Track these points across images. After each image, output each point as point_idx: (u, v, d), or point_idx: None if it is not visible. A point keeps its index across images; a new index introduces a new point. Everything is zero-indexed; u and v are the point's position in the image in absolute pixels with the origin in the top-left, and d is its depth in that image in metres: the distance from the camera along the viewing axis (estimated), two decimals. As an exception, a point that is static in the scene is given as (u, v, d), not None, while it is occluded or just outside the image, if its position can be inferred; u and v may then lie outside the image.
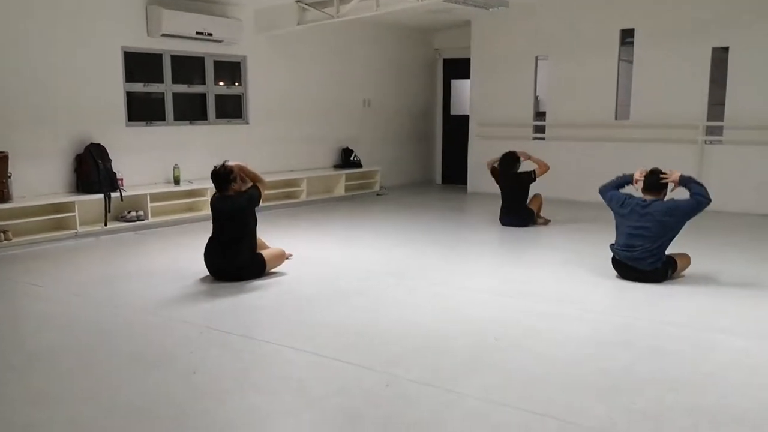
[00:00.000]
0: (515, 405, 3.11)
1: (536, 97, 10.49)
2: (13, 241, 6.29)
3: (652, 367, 3.58)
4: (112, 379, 3.46)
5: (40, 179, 6.79)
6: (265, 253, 5.43)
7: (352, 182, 10.20)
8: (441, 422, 2.96)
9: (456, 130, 11.76)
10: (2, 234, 6.22)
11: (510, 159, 7.57)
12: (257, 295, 4.99)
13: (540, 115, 10.65)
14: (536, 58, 10.29)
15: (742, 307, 4.62)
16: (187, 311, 4.57)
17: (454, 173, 11.87)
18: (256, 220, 5.43)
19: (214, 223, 5.37)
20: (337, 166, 10.28)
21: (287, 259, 5.73)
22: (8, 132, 6.52)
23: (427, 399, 3.20)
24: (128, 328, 4.26)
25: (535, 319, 4.38)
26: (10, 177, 6.28)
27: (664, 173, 5.28)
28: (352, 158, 10.39)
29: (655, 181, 5.25)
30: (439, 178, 12.28)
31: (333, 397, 3.21)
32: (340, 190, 9.94)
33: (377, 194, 10.45)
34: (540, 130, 10.40)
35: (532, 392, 3.26)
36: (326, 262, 6.01)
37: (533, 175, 7.45)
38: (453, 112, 12.12)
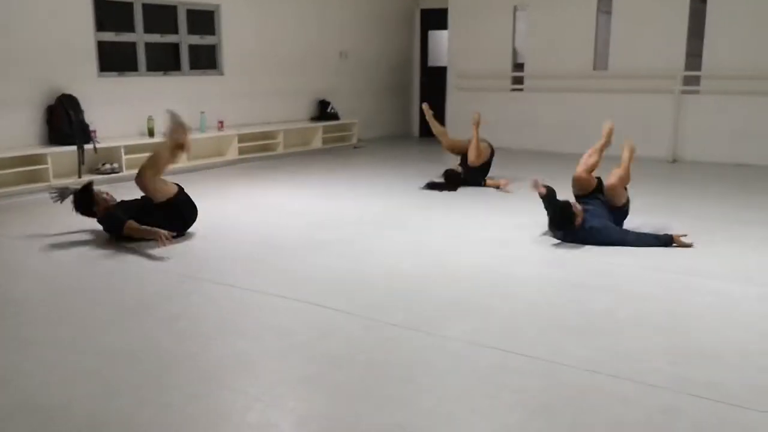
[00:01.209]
0: (498, 347, 3.16)
1: (514, 49, 10.42)
2: (-17, 193, 6.18)
3: (631, 310, 3.65)
4: (93, 326, 3.45)
5: (10, 131, 6.63)
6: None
7: (329, 134, 10.12)
8: (425, 363, 3.00)
9: (434, 82, 11.67)
10: (-27, 186, 6.11)
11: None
12: (236, 245, 4.97)
13: (518, 66, 10.59)
14: (514, 8, 10.19)
15: (720, 253, 4.71)
16: (164, 261, 4.54)
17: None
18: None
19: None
20: (313, 119, 10.18)
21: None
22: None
23: (410, 342, 3.24)
24: (105, 278, 4.23)
25: (514, 266, 4.43)
26: (-21, 128, 6.13)
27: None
28: (329, 110, 10.29)
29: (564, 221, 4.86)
30: (417, 131, 12.22)
31: (316, 342, 3.24)
32: (317, 143, 9.86)
33: (354, 147, 10.39)
34: (518, 81, 10.36)
35: (515, 334, 3.31)
36: (305, 213, 6.00)
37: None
38: (431, 63, 12.01)
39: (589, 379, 2.84)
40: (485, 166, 7.07)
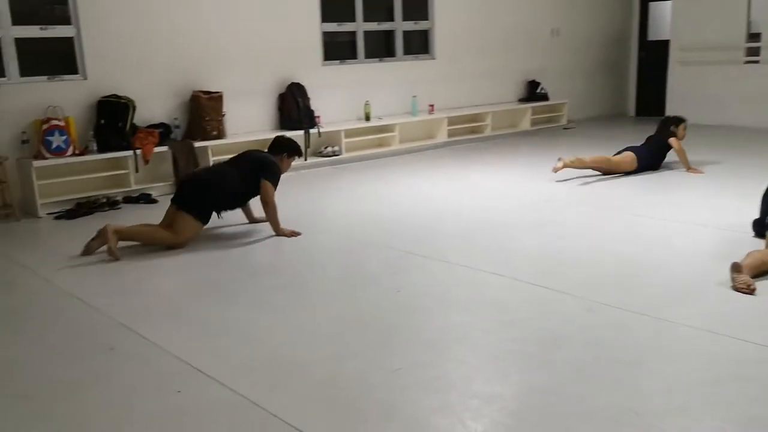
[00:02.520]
0: (735, 336, 2.95)
1: (749, 18, 9.45)
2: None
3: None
4: (325, 295, 3.76)
5: (249, 117, 7.36)
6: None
7: (538, 116, 9.94)
8: (653, 348, 2.90)
9: (653, 57, 10.95)
10: (219, 167, 6.86)
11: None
12: (449, 223, 5.11)
13: (753, 36, 9.59)
14: (750, -28, 9.23)
15: None
16: (384, 236, 4.80)
17: (650, 104, 11.11)
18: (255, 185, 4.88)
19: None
20: (522, 100, 10.05)
21: (179, 243, 4.70)
22: (223, 74, 7.10)
23: (635, 325, 3.14)
24: (332, 251, 4.57)
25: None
26: (224, 115, 6.86)
27: None
28: (538, 91, 10.09)
29: None
30: (632, 110, 11.57)
31: (535, 320, 3.25)
32: (525, 124, 9.74)
33: (564, 128, 10.10)
34: (753, 52, 9.39)
35: (758, 324, 3.07)
36: (515, 194, 5.99)
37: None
38: (651, 37, 11.27)
39: None
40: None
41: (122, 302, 3.73)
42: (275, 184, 4.91)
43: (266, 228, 4.99)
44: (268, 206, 4.85)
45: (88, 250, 4.58)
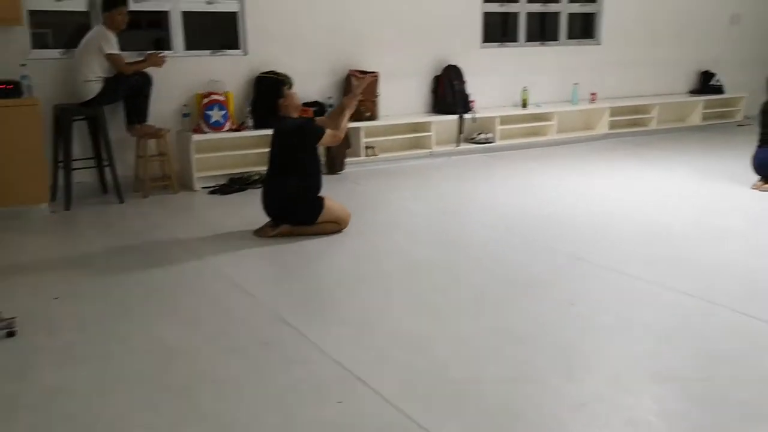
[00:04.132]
0: None
1: None
2: (379, 156, 6.73)
3: None
4: (489, 300, 3.44)
5: (402, 99, 7.10)
6: (328, 203, 4.51)
7: (710, 110, 9.01)
8: None
9: None
10: (370, 150, 6.69)
11: None
12: (623, 226, 4.61)
13: None
14: None
15: None
16: (547, 235, 4.40)
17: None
18: (312, 157, 4.50)
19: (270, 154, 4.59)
20: (693, 92, 9.16)
21: (340, 228, 4.50)
22: (379, 54, 6.88)
23: None
24: (493, 249, 4.23)
25: None
26: (378, 96, 6.66)
27: None
28: (711, 83, 9.15)
29: None
30: (822, 106, 10.26)
31: (748, 358, 2.76)
32: (695, 119, 8.86)
33: (738, 125, 9.11)
34: None
35: None
36: (687, 196, 5.40)
37: None
38: None
39: None
40: None
41: (279, 291, 3.60)
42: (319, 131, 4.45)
43: (427, 219, 4.74)
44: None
45: (263, 233, 4.50)
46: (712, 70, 9.21)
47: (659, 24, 8.71)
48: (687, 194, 5.51)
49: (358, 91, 4.69)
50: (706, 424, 2.31)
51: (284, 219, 4.46)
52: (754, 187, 5.52)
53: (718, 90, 9.16)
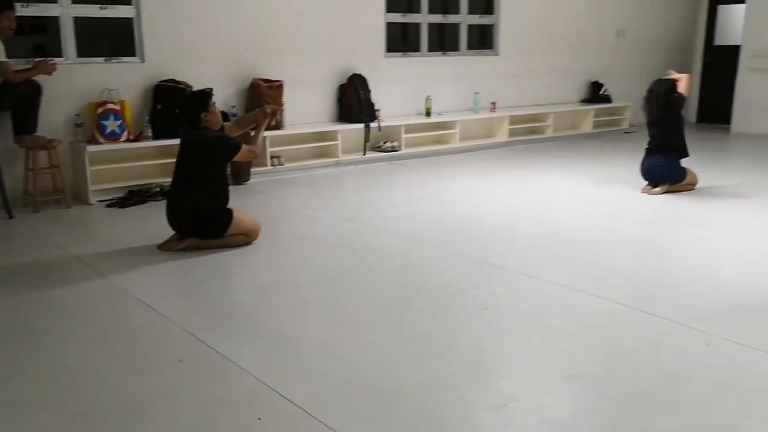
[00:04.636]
0: None
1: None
2: (285, 166, 6.64)
3: None
4: (405, 308, 3.45)
5: (308, 108, 7.05)
6: (237, 214, 4.38)
7: (600, 119, 9.51)
8: (792, 397, 2.53)
9: (719, 62, 10.43)
10: (277, 159, 6.59)
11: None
12: (528, 231, 4.76)
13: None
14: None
15: None
16: (457, 242, 4.47)
17: (714, 111, 10.59)
18: (220, 173, 4.35)
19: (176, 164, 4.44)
20: (584, 101, 9.63)
21: (250, 240, 4.41)
22: (284, 63, 6.80)
23: (760, 366, 2.77)
24: (404, 256, 4.26)
25: None
26: (283, 105, 6.58)
27: None
28: (601, 92, 9.66)
29: None
30: (693, 116, 11.04)
31: (644, 352, 2.90)
32: (586, 127, 9.31)
33: (626, 132, 9.67)
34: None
35: None
36: (587, 201, 5.63)
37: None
38: (718, 42, 10.74)
39: None
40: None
41: (189, 307, 3.47)
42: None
43: (337, 228, 4.70)
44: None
45: (168, 246, 4.33)
46: (601, 81, 9.72)
47: (553, 36, 9.11)
48: (585, 198, 5.75)
49: (269, 110, 4.58)
50: (616, 418, 2.41)
51: (191, 232, 4.31)
52: (644, 191, 5.85)
53: (607, 99, 9.67)
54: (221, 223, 4.30)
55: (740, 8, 9.85)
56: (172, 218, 4.31)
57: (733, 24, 10.26)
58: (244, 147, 4.35)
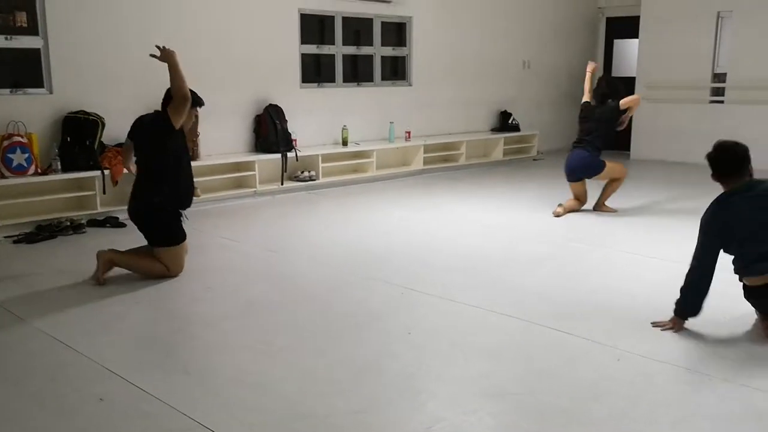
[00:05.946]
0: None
1: (715, 58, 9.66)
2: (201, 197, 6.54)
3: None
4: (330, 335, 3.49)
5: (224, 139, 7.01)
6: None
7: (510, 146, 9.90)
8: (694, 406, 2.73)
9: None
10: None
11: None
12: (446, 256, 4.90)
13: (717, 76, 9.81)
14: (718, 14, 9.45)
15: None
16: (376, 269, 4.55)
17: (614, 139, 11.19)
18: (173, 157, 4.38)
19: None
20: (494, 130, 10.01)
21: (169, 275, 4.38)
22: (199, 92, 6.65)
23: (675, 379, 2.97)
24: (326, 284, 4.30)
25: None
26: (198, 136, 6.52)
27: None
28: (510, 122, 10.07)
29: None
30: (597, 144, 11.66)
31: (562, 368, 3.06)
32: (497, 155, 9.67)
33: (534, 159, 10.11)
34: (718, 92, 9.60)
35: None
36: (504, 227, 5.84)
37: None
38: (614, 73, 11.43)
39: None
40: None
41: (109, 344, 3.37)
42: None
43: (257, 258, 4.68)
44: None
45: (98, 281, 4.25)
46: (509, 110, 10.14)
47: (463, 67, 9.44)
48: (499, 223, 5.97)
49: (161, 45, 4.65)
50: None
51: (144, 229, 4.41)
52: (555, 213, 6.15)
53: (516, 128, 10.08)
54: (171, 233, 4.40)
55: (634, 42, 10.55)
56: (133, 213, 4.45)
57: (628, 57, 10.99)
58: (178, 94, 4.50)
